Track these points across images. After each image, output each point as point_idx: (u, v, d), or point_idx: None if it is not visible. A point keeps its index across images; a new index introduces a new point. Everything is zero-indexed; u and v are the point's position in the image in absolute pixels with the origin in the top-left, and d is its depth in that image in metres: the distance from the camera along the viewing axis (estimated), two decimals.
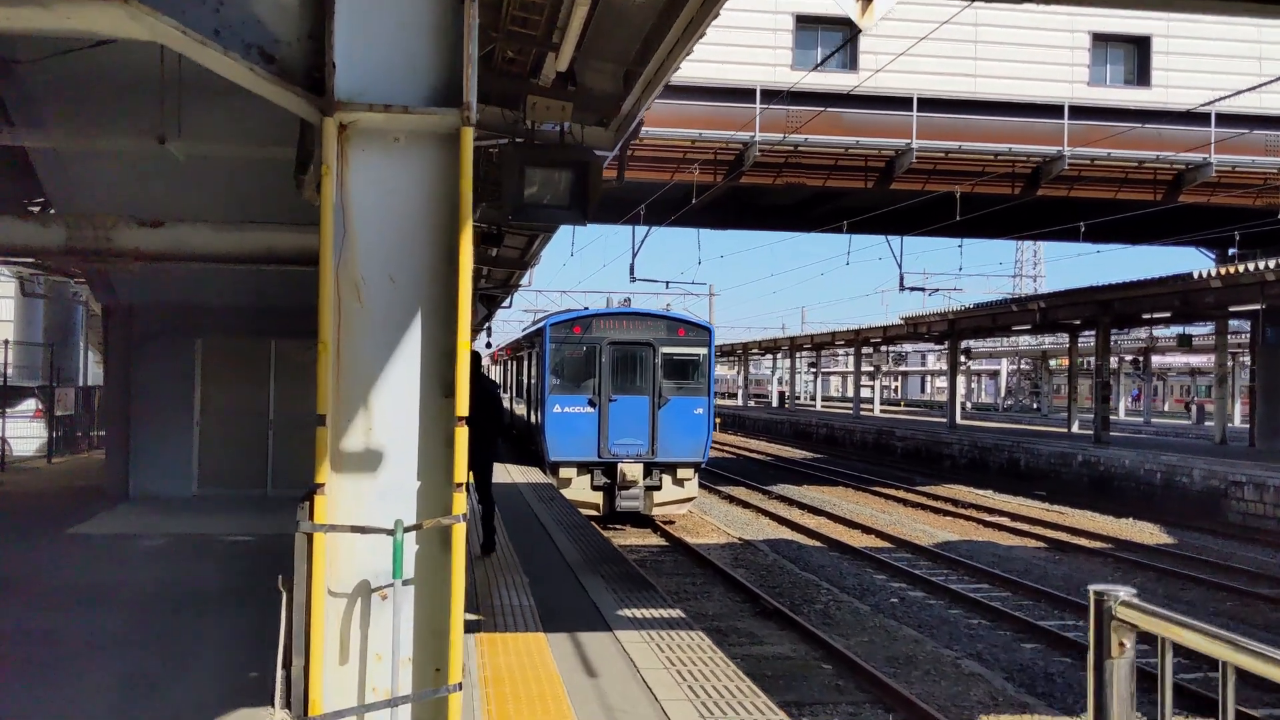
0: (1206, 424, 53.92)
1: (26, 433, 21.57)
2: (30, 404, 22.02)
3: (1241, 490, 22.76)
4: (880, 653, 11.48)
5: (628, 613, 7.96)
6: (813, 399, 70.83)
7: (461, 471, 3.50)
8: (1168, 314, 29.21)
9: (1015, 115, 23.41)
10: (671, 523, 21.07)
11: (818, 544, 19.30)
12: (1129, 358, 59.38)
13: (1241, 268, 23.50)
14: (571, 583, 9.18)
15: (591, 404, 20.25)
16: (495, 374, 40.61)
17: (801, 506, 24.56)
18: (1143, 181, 24.27)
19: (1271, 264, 23.00)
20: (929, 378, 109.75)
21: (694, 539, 19.27)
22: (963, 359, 76.14)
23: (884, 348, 54.98)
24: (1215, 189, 24.20)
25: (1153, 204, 24.46)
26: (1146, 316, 30.82)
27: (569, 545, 11.31)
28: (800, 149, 22.94)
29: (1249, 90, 22.05)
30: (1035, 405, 68.82)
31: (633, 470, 20.11)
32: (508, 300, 27.22)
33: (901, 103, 22.93)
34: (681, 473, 20.63)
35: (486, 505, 10.84)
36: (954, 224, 26.28)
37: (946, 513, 23.80)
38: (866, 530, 20.87)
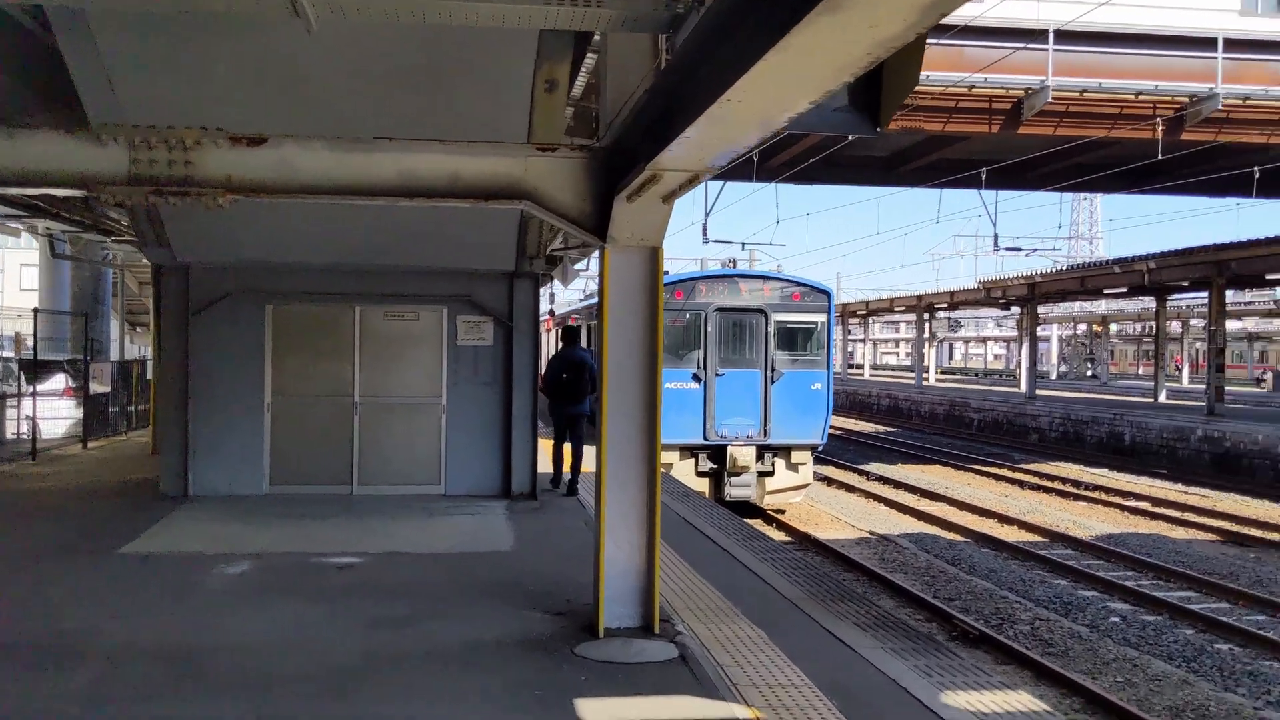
0: None
1: (55, 413, 19.23)
2: (59, 380, 19.65)
3: None
4: (1154, 701, 9.04)
5: (953, 699, 5.51)
6: (860, 367, 68.17)
7: None
8: None
9: (1158, 48, 20.68)
10: (783, 512, 18.63)
11: (962, 539, 16.83)
12: (1197, 322, 56.46)
13: None
14: (820, 635, 6.73)
15: (696, 379, 17.78)
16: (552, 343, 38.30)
17: (911, 489, 22.09)
18: None
19: None
20: (958, 345, 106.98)
21: (820, 532, 16.83)
22: (1013, 325, 73.33)
23: (942, 314, 52.25)
24: None
25: None
26: (1272, 277, 28.12)
27: (764, 566, 8.85)
28: (919, 87, 20.25)
29: None
30: (1091, 373, 66.10)
31: (743, 454, 17.65)
32: (584, 262, 24.62)
33: (1031, 35, 20.22)
34: (796, 456, 18.16)
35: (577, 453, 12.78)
36: (1087, 179, 23.63)
37: (1078, 497, 21.30)
38: (1004, 519, 18.39)
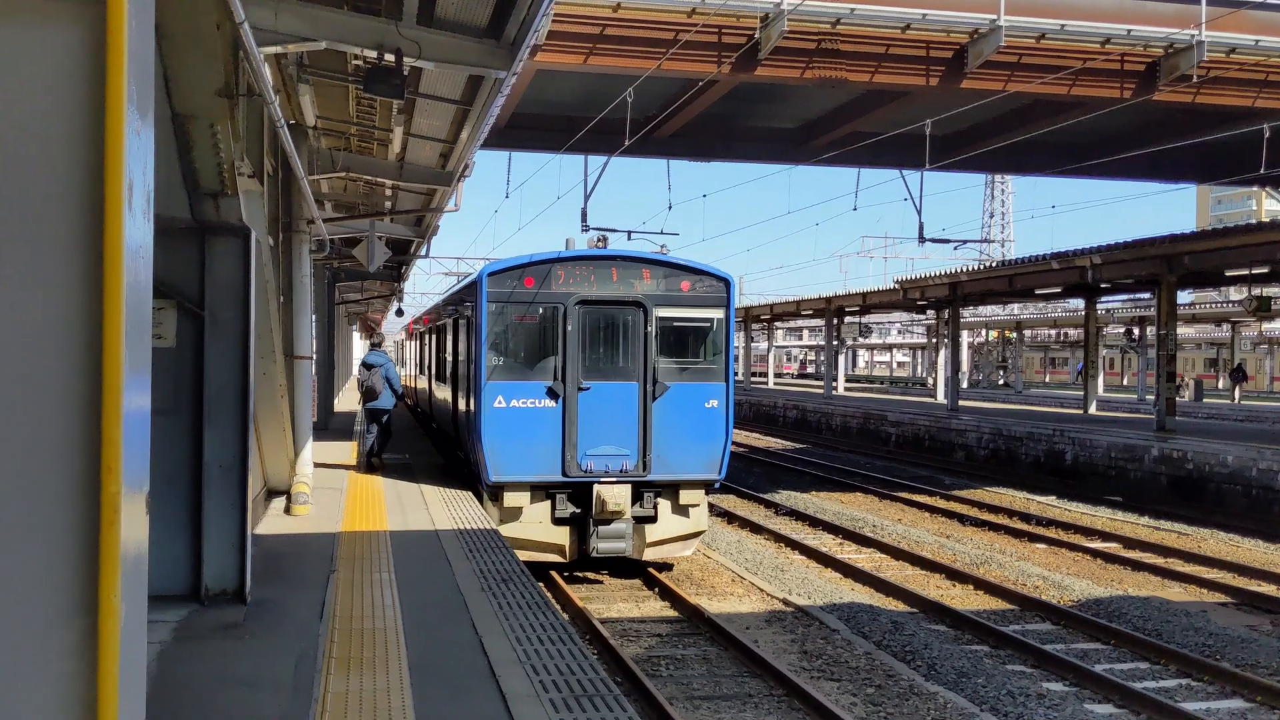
0: (1206, 401, 48.71)
1: None
2: None
3: None
4: None
5: None
6: (764, 376, 64.26)
7: None
8: (1265, 269, 23.07)
9: None
10: (670, 567, 14.22)
11: (905, 608, 12.57)
12: (1115, 329, 53.93)
13: None
14: None
15: (553, 394, 13.22)
16: (411, 352, 33.54)
17: (830, 528, 17.87)
18: None
19: None
20: (863, 352, 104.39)
21: (716, 603, 12.40)
22: (922, 330, 70.43)
23: (852, 319, 48.47)
24: None
25: None
26: (1232, 274, 24.68)
27: None
28: (842, 25, 16.13)
29: None
30: (1004, 381, 63.34)
31: (615, 495, 13.11)
32: (424, 247, 19.77)
33: None
34: (686, 496, 13.68)
35: None
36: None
37: (1032, 537, 17.26)
38: (953, 575, 14.24)
